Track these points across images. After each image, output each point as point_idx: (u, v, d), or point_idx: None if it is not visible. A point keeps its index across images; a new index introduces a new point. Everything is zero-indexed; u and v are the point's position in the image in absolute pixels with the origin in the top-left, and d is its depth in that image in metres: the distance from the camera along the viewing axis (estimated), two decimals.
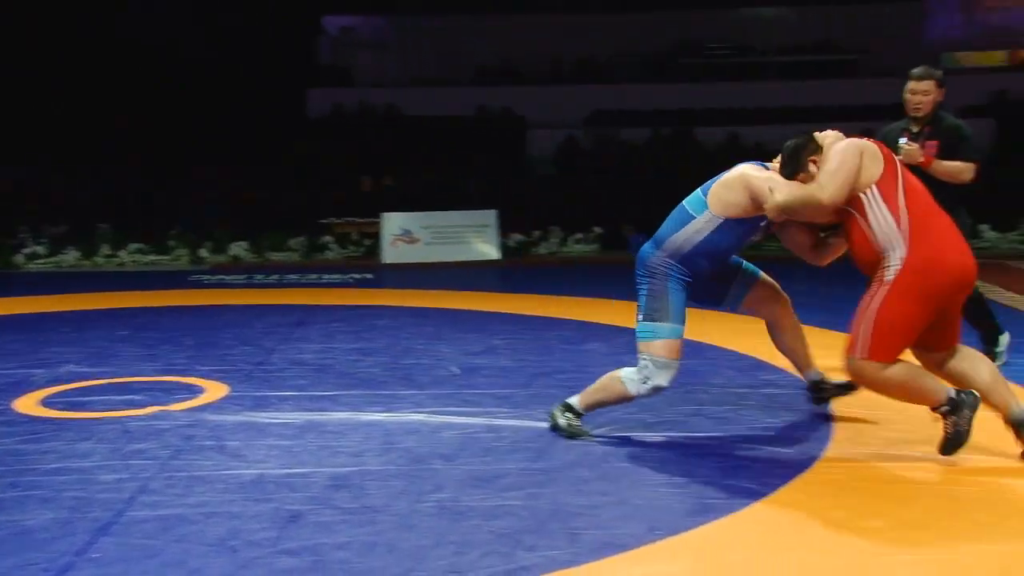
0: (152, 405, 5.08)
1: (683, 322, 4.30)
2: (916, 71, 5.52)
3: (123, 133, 15.65)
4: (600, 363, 6.04)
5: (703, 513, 3.50)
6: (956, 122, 5.55)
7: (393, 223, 12.55)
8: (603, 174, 15.15)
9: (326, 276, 11.11)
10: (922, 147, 5.38)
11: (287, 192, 13.94)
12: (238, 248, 12.86)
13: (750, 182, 4.16)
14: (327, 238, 13.23)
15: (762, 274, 4.66)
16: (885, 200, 3.91)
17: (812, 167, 4.09)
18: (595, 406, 4.45)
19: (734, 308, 4.73)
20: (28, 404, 5.13)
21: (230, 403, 5.13)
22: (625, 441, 4.39)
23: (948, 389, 3.91)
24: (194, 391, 5.39)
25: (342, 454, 4.25)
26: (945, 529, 3.36)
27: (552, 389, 5.36)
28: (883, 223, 3.91)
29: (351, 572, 3.05)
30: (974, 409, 3.86)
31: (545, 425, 4.55)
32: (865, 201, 3.93)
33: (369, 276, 11.11)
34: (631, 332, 7.05)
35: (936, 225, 3.92)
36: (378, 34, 20.23)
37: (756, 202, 4.13)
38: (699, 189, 4.35)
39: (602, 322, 7.62)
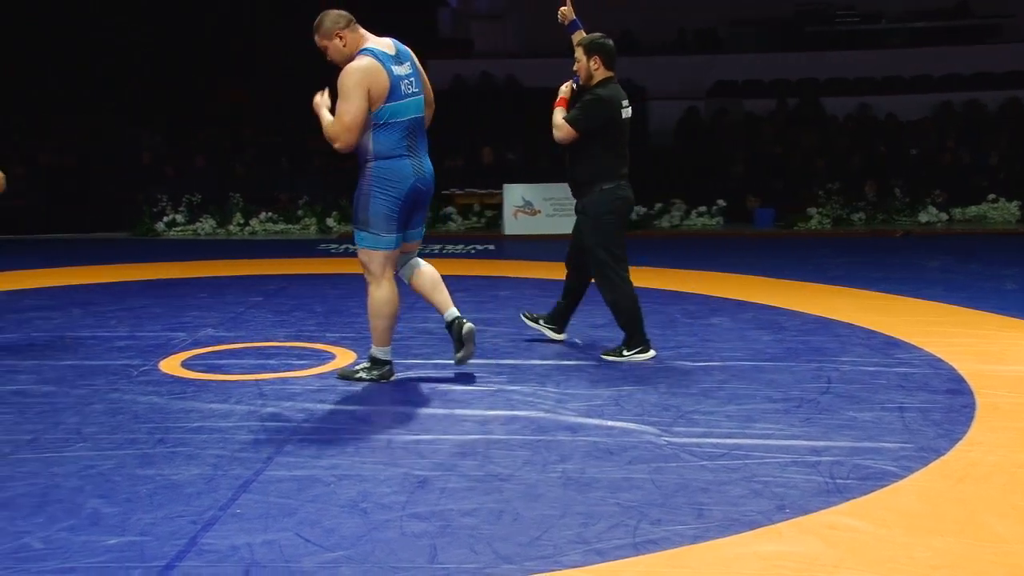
0: (285, 370, 5.26)
1: None
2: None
3: (241, 106, 16.08)
4: (725, 338, 5.99)
5: (834, 493, 3.44)
6: (598, 92, 5.44)
7: (514, 194, 12.59)
8: (726, 146, 14.87)
9: (448, 246, 11.25)
10: None
11: None
12: None
13: None
14: (449, 209, 13.37)
15: None
16: None
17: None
18: None
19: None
20: (172, 365, 5.37)
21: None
22: (752, 417, 4.34)
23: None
24: (324, 357, 5.55)
25: (467, 422, 4.32)
26: None
27: (679, 362, 5.34)
28: None
29: (479, 538, 3.10)
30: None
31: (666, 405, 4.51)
32: None
33: (491, 247, 11.20)
34: (757, 307, 7.02)
35: None
36: (497, 5, 20.22)
37: None
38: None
39: (726, 296, 7.51)
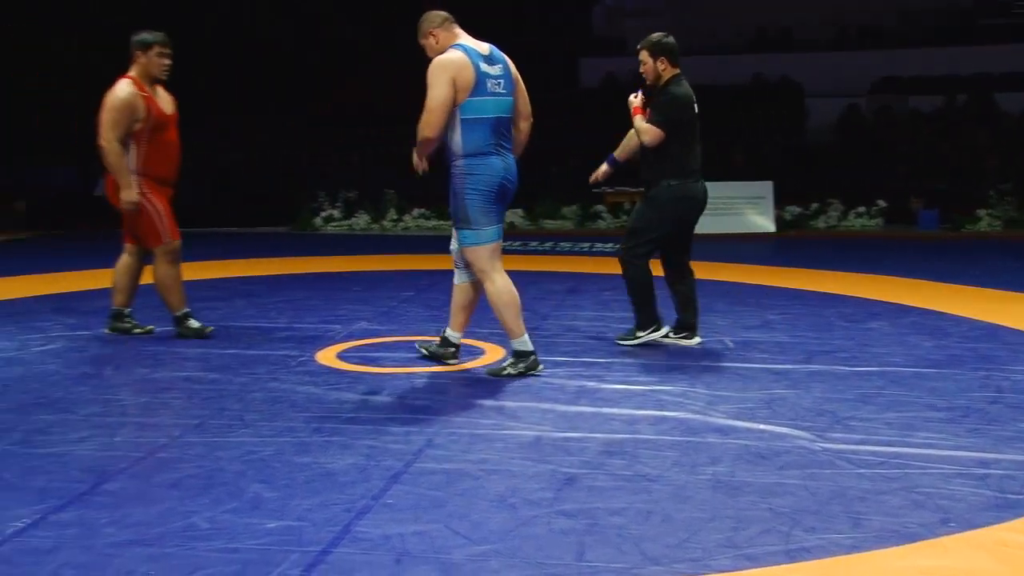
0: (436, 364, 5.35)
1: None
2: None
3: (399, 102, 16.48)
4: (884, 343, 5.76)
5: (1005, 508, 3.25)
6: (673, 91, 5.64)
7: None
8: (889, 145, 14.30)
9: (598, 245, 11.21)
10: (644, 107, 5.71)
11: (560, 162, 14.20)
12: (513, 215, 13.22)
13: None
14: (599, 207, 13.34)
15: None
16: None
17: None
18: None
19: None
20: (327, 356, 5.55)
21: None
22: (913, 425, 4.15)
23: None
24: (474, 352, 5.62)
25: (616, 421, 4.29)
26: None
27: (835, 366, 5.17)
28: None
29: (626, 538, 3.07)
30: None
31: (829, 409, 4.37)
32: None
33: None
34: (919, 311, 6.72)
35: None
36: (652, 2, 20.05)
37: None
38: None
39: (885, 300, 7.23)
